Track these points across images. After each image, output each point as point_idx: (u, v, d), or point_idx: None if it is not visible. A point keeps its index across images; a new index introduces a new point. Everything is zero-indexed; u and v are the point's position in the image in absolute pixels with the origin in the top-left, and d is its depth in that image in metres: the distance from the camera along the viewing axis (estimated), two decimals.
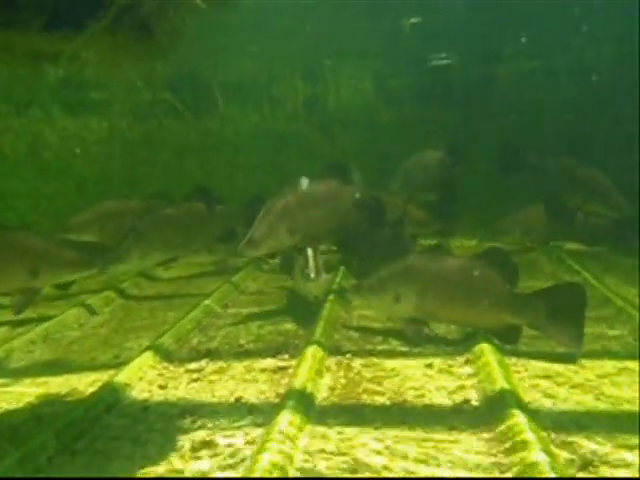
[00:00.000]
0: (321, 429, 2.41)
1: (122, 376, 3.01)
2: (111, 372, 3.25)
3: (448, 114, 7.60)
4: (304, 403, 2.57)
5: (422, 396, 2.75)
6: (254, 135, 8.12)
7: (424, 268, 3.61)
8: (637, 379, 2.87)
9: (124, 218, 5.60)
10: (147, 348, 3.46)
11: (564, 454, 2.12)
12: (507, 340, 3.33)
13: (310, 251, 4.04)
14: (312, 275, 3.92)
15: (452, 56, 7.18)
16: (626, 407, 2.56)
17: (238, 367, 3.26)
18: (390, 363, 3.22)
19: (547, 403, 2.60)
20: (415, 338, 3.54)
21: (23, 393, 3.09)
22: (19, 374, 3.40)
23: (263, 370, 3.20)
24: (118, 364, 3.39)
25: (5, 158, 6.97)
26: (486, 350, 3.14)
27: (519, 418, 2.24)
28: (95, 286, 5.46)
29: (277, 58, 7.85)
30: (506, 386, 2.63)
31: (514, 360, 3.17)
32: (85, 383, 3.18)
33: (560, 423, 2.38)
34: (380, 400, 2.72)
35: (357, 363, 3.24)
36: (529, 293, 3.39)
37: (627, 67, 6.86)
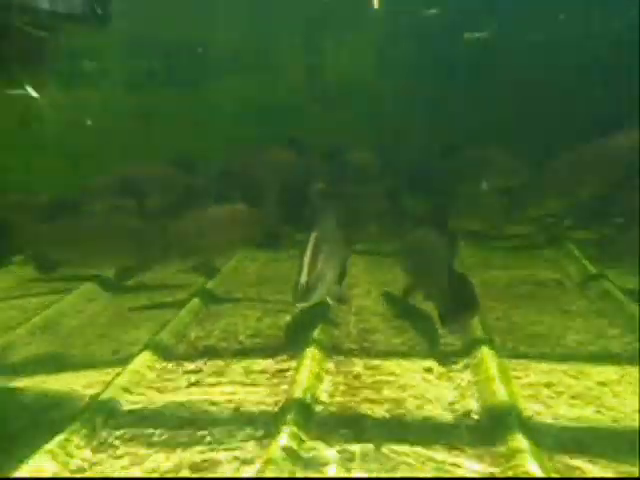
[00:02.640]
0: (321, 446, 2.40)
1: (120, 380, 2.99)
2: (109, 371, 3.24)
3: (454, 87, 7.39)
4: (303, 416, 2.56)
5: (422, 407, 2.73)
6: (253, 106, 7.89)
7: None
8: (638, 388, 2.86)
9: (147, 183, 5.60)
10: (145, 346, 3.43)
11: None
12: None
13: (308, 255, 3.29)
14: (300, 296, 3.19)
15: (488, 28, 6.89)
16: (628, 423, 2.55)
17: (237, 368, 3.24)
18: (390, 366, 3.20)
19: (548, 417, 2.59)
20: None
21: (22, 393, 3.08)
22: (18, 371, 3.37)
23: (262, 372, 3.18)
24: (117, 361, 3.37)
25: None
26: (486, 354, 3.12)
27: (521, 442, 2.23)
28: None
29: (278, 27, 7.54)
30: (507, 399, 2.61)
31: (514, 363, 3.16)
32: (83, 384, 3.15)
33: (562, 443, 2.37)
34: (380, 411, 2.70)
35: (357, 365, 3.22)
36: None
37: None
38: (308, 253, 3.35)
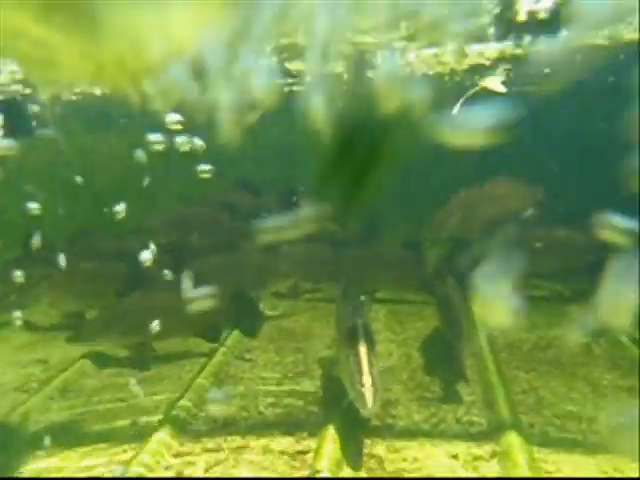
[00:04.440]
0: None
1: (138, 462, 2.95)
2: (127, 447, 3.21)
3: None
4: None
5: None
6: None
7: None
8: None
9: (195, 225, 5.71)
10: (164, 419, 3.40)
11: None
12: None
13: (362, 350, 3.08)
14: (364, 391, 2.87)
15: None
16: None
17: (256, 447, 3.18)
18: (413, 449, 3.10)
19: None
20: None
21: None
22: (37, 443, 3.33)
23: (282, 453, 3.12)
24: (135, 436, 3.34)
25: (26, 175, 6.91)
26: (514, 441, 3.00)
27: None
28: None
29: None
30: None
31: (545, 453, 3.03)
32: (103, 462, 3.12)
33: None
34: None
35: (379, 447, 3.13)
36: None
37: None
38: (362, 357, 3.07)
